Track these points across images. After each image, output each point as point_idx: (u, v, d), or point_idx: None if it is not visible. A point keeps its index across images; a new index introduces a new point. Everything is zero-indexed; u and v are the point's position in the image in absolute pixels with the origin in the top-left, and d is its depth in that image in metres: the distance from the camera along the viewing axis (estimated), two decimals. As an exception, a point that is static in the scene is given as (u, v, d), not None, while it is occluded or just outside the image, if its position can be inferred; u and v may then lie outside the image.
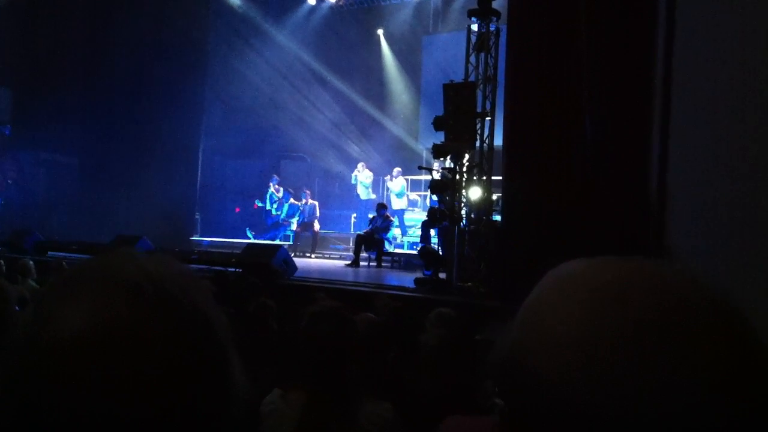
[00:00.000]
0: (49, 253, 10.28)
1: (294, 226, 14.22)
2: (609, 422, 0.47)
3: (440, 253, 8.87)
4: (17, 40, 13.89)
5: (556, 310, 0.53)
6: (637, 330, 0.48)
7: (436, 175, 8.91)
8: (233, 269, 8.21)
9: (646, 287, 0.51)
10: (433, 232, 9.78)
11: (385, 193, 14.45)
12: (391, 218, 12.00)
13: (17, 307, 2.07)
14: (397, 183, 13.72)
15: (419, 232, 10.91)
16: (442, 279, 8.10)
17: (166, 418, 0.53)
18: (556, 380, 0.50)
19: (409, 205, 14.33)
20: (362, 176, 14.22)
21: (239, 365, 0.60)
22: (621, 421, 0.47)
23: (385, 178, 14.32)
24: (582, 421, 0.48)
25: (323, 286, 7.44)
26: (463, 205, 8.35)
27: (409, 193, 14.36)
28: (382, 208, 11.83)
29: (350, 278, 9.18)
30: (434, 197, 9.03)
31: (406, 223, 13.81)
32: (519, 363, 0.54)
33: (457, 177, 8.38)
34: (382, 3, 16.35)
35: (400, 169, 13.87)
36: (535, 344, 0.53)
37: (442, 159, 9.06)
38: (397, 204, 13.60)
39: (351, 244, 13.18)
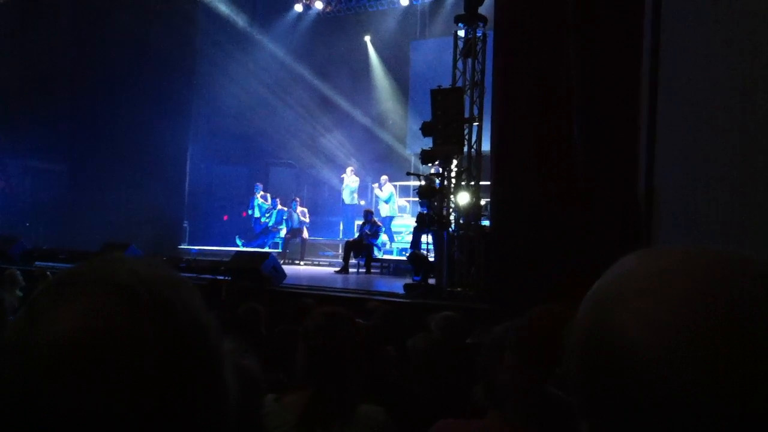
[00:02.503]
0: (36, 262, 10.17)
1: (283, 233, 14.18)
2: (712, 402, 0.48)
3: (431, 258, 8.87)
4: (3, 46, 13.81)
5: (655, 293, 0.54)
6: (745, 313, 0.50)
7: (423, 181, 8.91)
8: (222, 277, 8.17)
9: (745, 272, 0.53)
10: (428, 238, 9.76)
11: (373, 200, 14.44)
12: (379, 224, 12.02)
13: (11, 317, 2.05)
14: (385, 190, 13.70)
15: (409, 238, 10.89)
16: (432, 284, 8.11)
17: (161, 420, 0.53)
18: (660, 360, 0.51)
19: (399, 211, 14.33)
20: (349, 180, 14.22)
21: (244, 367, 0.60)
22: (727, 402, 0.48)
23: (373, 185, 14.28)
24: (682, 400, 0.49)
25: (312, 293, 7.41)
26: (451, 210, 8.36)
27: (397, 198, 14.36)
28: (369, 214, 11.87)
29: (339, 285, 9.16)
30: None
31: (396, 229, 13.79)
32: (610, 345, 0.55)
33: (446, 182, 8.39)
34: (370, 9, 16.40)
35: (387, 177, 13.88)
36: (632, 326, 0.53)
37: (430, 164, 9.07)
38: (384, 211, 13.57)
39: (340, 250, 13.18)
